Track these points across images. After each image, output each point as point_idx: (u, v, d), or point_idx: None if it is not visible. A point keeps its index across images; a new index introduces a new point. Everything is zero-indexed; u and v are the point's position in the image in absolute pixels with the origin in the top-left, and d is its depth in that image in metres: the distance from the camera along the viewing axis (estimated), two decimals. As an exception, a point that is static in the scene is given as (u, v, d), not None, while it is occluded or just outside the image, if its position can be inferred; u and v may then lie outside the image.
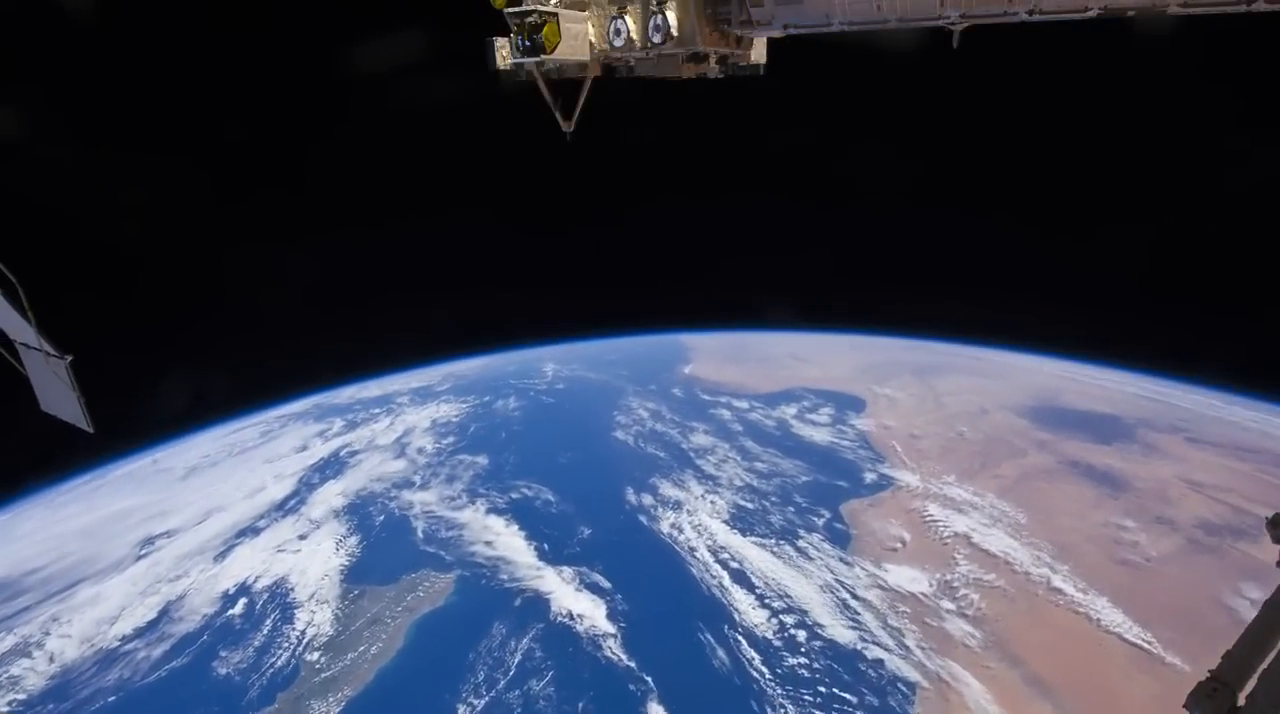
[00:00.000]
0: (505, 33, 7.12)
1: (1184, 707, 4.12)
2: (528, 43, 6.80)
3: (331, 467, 58.30)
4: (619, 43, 7.12)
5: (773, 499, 45.65)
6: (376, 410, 73.82)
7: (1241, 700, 3.99)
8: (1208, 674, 4.14)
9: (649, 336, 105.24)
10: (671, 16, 6.78)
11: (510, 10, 6.75)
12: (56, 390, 7.59)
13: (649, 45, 7.00)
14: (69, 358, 7.20)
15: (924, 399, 65.09)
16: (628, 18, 7.06)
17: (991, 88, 76.55)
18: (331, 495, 52.64)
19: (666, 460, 52.07)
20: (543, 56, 6.84)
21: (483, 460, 54.70)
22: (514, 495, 48.41)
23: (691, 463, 51.34)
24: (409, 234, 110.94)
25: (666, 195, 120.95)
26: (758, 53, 7.69)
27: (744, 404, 63.48)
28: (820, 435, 55.78)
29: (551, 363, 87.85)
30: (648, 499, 46.56)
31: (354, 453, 61.21)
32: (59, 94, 77.38)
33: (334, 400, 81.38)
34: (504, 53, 7.49)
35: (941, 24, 5.47)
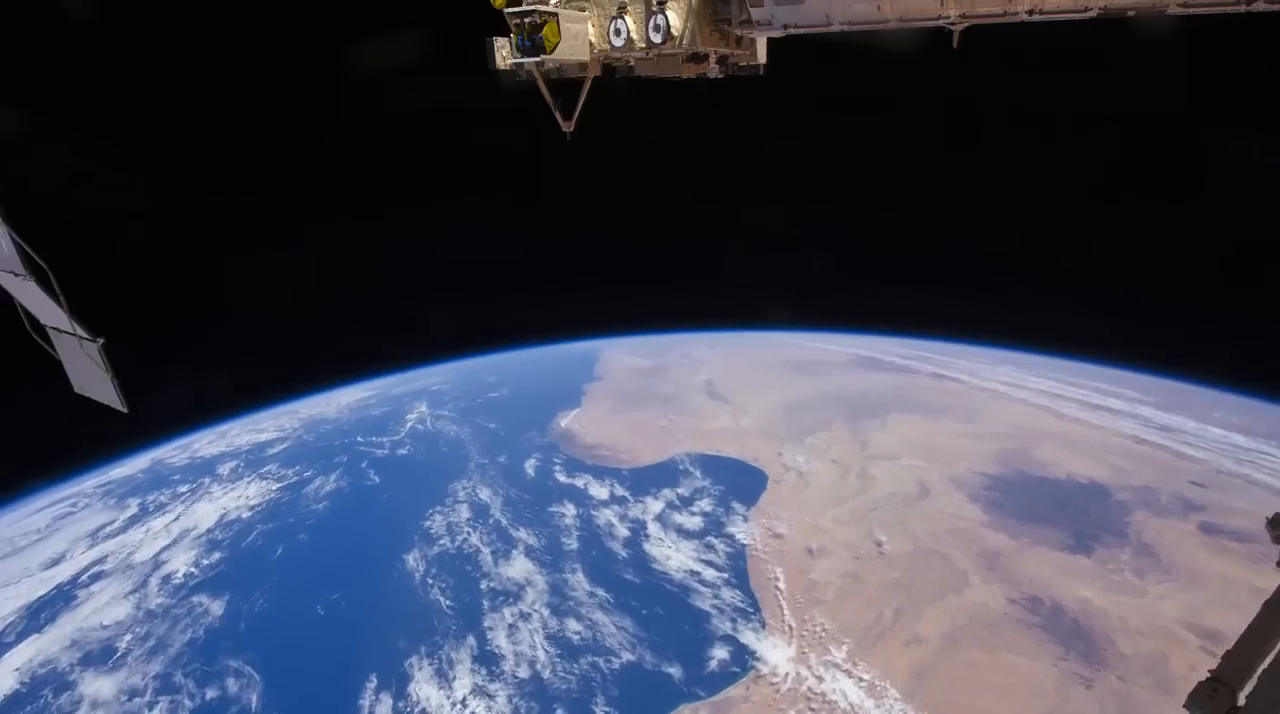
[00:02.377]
0: (505, 33, 7.03)
1: (1184, 707, 3.94)
2: (528, 43, 6.71)
3: (51, 606, 44.18)
4: (619, 43, 6.98)
5: (559, 711, 30.51)
6: (184, 487, 59.81)
7: (1241, 700, 3.85)
8: (1208, 674, 3.98)
9: (578, 343, 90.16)
10: (672, 16, 6.62)
11: (510, 10, 6.69)
12: (89, 372, 7.59)
13: (649, 45, 6.87)
14: (101, 341, 7.12)
15: (847, 469, 48.91)
16: (628, 18, 6.90)
17: (991, 87, 69.75)
18: (9, 670, 38.65)
19: (448, 617, 36.97)
20: (543, 56, 6.76)
21: (218, 609, 40.13)
22: (211, 692, 33.86)
23: (479, 623, 36.18)
24: (393, 237, 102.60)
25: (642, 193, 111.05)
26: (758, 53, 7.44)
27: (604, 491, 47.80)
28: (680, 557, 40.13)
29: (425, 402, 72.65)
30: (386, 706, 31.70)
31: (98, 576, 47.07)
32: (57, 92, 69.23)
33: (172, 458, 67.76)
34: (504, 53, 7.38)
35: (941, 24, 5.38)
